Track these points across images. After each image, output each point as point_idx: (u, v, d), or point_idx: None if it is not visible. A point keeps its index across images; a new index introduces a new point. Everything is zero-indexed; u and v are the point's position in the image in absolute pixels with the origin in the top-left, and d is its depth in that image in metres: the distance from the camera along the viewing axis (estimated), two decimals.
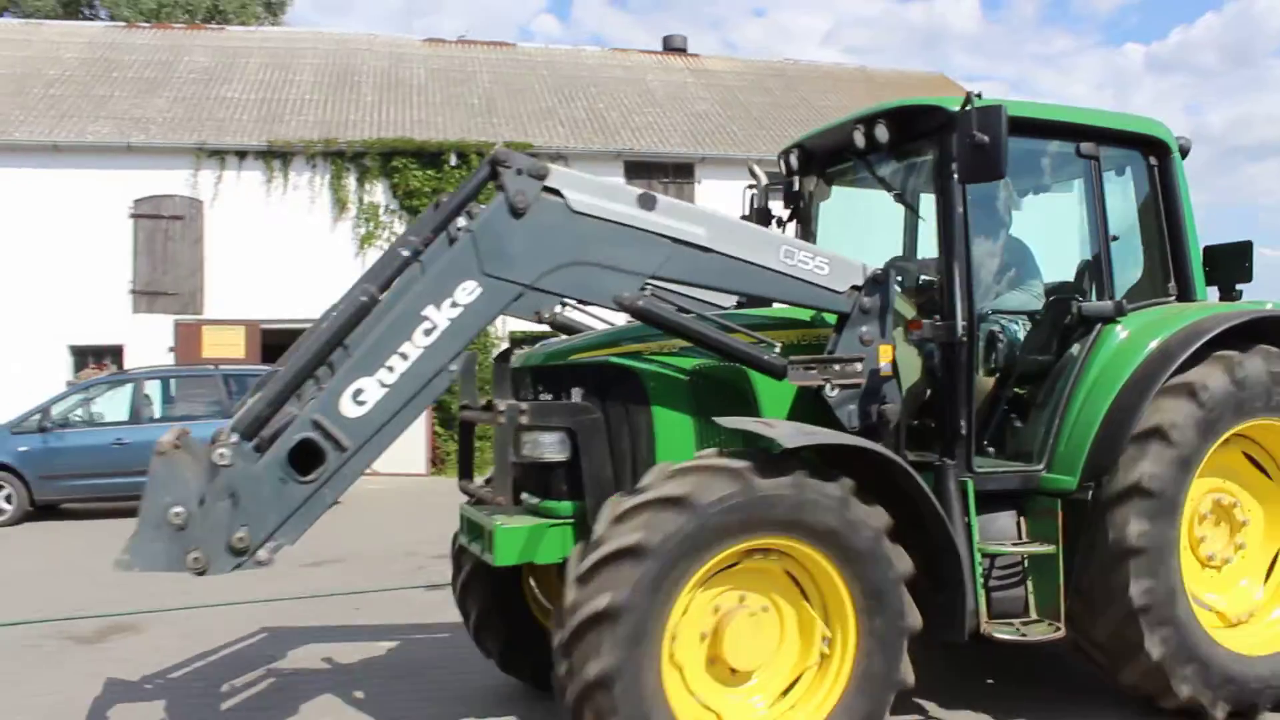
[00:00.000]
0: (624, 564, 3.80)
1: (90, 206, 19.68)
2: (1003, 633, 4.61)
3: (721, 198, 15.68)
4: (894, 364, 4.63)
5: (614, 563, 3.81)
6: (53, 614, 7.78)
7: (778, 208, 6.12)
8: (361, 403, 3.86)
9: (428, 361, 3.95)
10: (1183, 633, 4.70)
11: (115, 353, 19.72)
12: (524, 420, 4.31)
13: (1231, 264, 5.70)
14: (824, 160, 5.85)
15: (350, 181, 20.99)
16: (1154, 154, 5.44)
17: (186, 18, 32.96)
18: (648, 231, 4.28)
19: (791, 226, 6.08)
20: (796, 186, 5.94)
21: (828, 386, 4.51)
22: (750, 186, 6.22)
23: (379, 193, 21.04)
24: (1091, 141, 5.17)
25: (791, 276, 4.53)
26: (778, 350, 4.58)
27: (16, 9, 33.81)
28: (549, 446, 4.42)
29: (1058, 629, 4.67)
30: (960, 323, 4.74)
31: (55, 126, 20.29)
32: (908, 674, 4.25)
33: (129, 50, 24.18)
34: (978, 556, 4.61)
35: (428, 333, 3.95)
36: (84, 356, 19.78)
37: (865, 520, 4.13)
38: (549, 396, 4.57)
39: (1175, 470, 4.73)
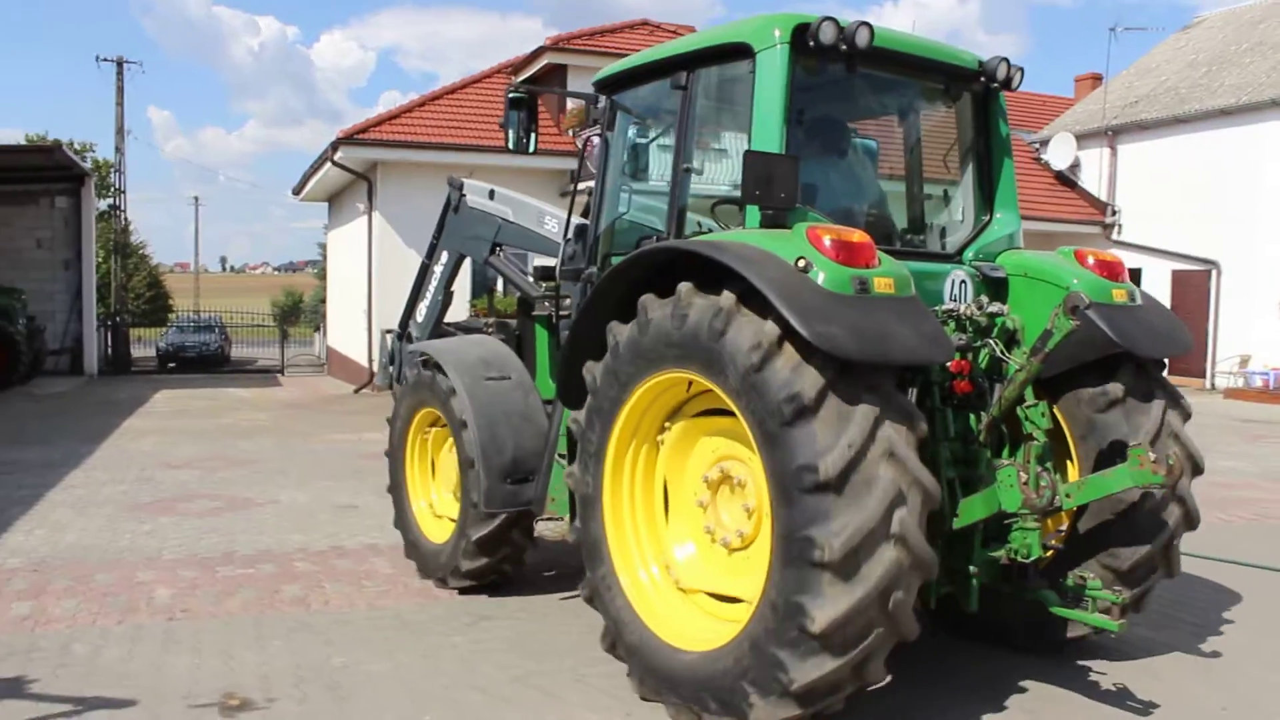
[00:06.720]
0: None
1: None
2: (551, 527, 6.16)
3: None
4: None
5: None
6: None
7: None
8: (420, 314, 7.86)
9: (436, 293, 7.70)
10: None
11: None
12: (489, 330, 6.99)
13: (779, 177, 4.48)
14: None
15: None
16: (747, 58, 4.75)
17: None
18: (487, 213, 7.07)
19: None
20: None
21: (554, 315, 6.13)
22: None
23: None
24: (682, 70, 5.00)
25: (545, 236, 6.48)
26: (543, 289, 6.47)
27: None
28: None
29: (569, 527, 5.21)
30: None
31: None
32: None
33: None
34: (560, 451, 5.63)
35: (434, 278, 7.70)
36: None
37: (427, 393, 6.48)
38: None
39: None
